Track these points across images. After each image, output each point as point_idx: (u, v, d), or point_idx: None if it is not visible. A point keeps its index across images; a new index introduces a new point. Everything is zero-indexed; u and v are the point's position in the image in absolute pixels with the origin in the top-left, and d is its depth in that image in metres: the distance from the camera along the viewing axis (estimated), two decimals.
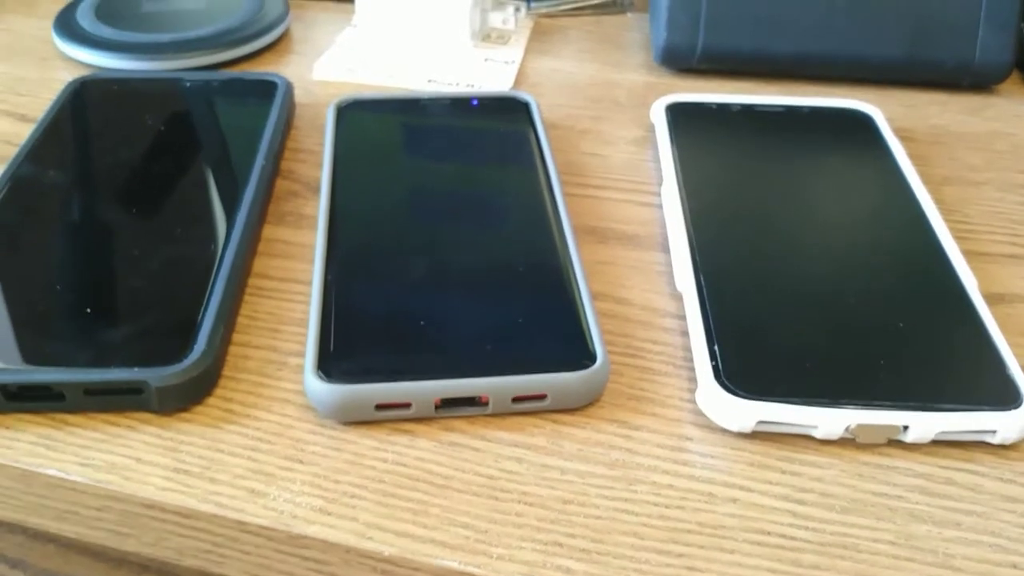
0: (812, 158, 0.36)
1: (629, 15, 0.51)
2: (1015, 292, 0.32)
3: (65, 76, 0.42)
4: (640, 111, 0.42)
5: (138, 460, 0.26)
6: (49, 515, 0.27)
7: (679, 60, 0.44)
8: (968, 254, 0.33)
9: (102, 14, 0.45)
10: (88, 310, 0.28)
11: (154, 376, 0.26)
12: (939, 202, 0.36)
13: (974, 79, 0.44)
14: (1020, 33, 0.43)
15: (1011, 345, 0.29)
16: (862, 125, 0.38)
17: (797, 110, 0.39)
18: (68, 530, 0.27)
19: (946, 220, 0.35)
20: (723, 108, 0.39)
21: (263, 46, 0.45)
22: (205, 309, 0.28)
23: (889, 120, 0.41)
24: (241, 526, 0.24)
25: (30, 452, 0.26)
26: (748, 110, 0.39)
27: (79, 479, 0.25)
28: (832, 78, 0.44)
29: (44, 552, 0.33)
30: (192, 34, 0.44)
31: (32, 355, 0.27)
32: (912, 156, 0.38)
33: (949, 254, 0.31)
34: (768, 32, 0.43)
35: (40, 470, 0.25)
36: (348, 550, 0.24)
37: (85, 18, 0.45)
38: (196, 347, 0.27)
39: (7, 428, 0.26)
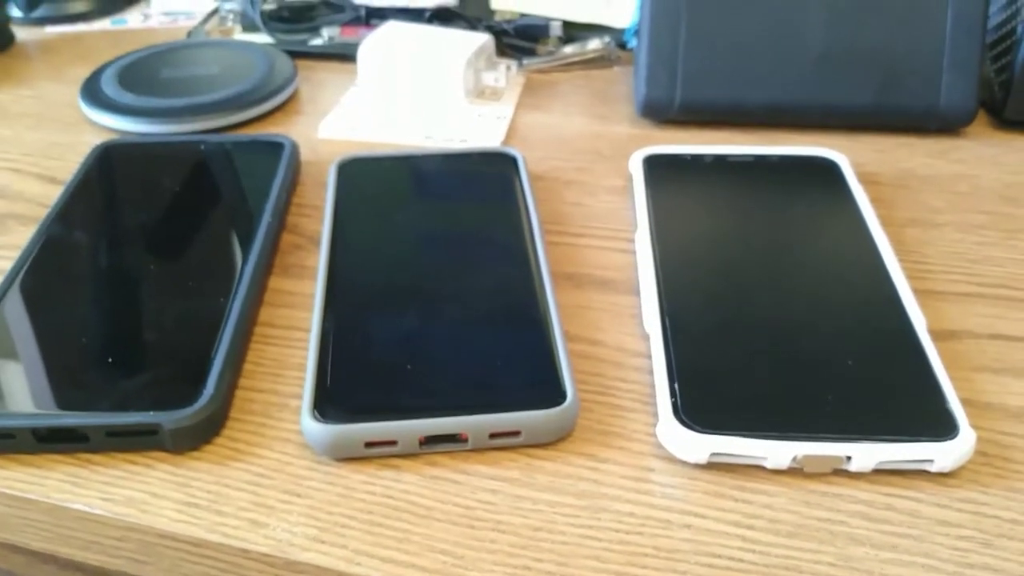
0: (777, 205, 0.39)
1: (616, 69, 0.54)
2: (967, 329, 0.34)
3: (91, 140, 0.45)
4: (622, 161, 0.45)
5: (153, 495, 0.28)
6: (76, 545, 0.30)
7: (659, 112, 0.47)
8: (924, 293, 0.36)
9: (124, 81, 0.49)
10: (109, 359, 0.31)
11: (168, 419, 0.29)
12: (900, 244, 0.39)
13: (940, 123, 0.46)
14: (984, 77, 0.46)
15: (957, 379, 0.31)
16: (828, 172, 0.41)
17: (766, 159, 0.41)
18: (92, 559, 0.30)
19: (905, 261, 0.37)
20: (697, 159, 0.42)
21: (273, 107, 0.49)
22: (214, 357, 0.31)
23: (859, 165, 0.44)
24: (244, 554, 0.27)
25: (58, 488, 0.29)
26: (720, 160, 0.41)
27: (101, 512, 0.28)
28: (805, 126, 0.47)
29: None
30: (207, 98, 0.47)
31: (59, 401, 0.30)
32: (877, 200, 0.41)
33: (901, 295, 0.33)
34: (742, 85, 0.46)
35: (67, 505, 0.28)
36: (339, 575, 0.26)
37: (109, 85, 0.49)
38: (206, 392, 0.30)
39: (38, 467, 0.29)
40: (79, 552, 0.30)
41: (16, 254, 0.36)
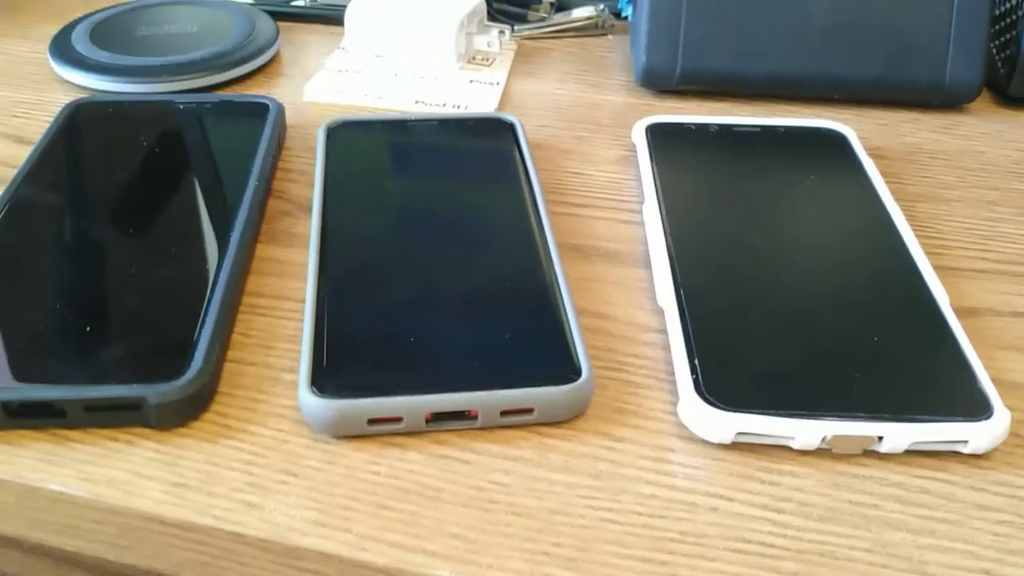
0: (788, 176, 0.37)
1: (610, 37, 0.52)
2: (987, 306, 0.33)
3: (61, 99, 0.42)
4: (621, 131, 0.43)
5: (137, 474, 0.26)
6: (50, 529, 0.27)
7: (659, 82, 0.45)
8: (941, 269, 0.35)
9: (97, 38, 0.46)
10: (87, 329, 0.29)
11: (152, 392, 0.27)
12: (912, 219, 0.37)
13: (945, 98, 0.45)
14: (988, 53, 0.45)
15: (982, 357, 0.30)
16: (836, 144, 0.39)
17: (773, 130, 0.40)
18: (68, 544, 0.28)
19: (919, 236, 0.36)
20: (702, 128, 0.40)
21: (254, 68, 0.46)
22: (201, 327, 0.29)
23: (864, 138, 0.43)
24: (238, 538, 0.25)
25: (32, 468, 0.26)
26: (726, 130, 0.40)
27: (80, 493, 0.26)
28: (808, 98, 0.46)
29: (39, 567, 0.34)
30: (185, 57, 0.45)
31: (33, 373, 0.27)
32: (886, 174, 0.40)
33: (922, 270, 0.32)
34: (745, 55, 0.44)
35: (42, 485, 0.26)
36: (343, 561, 0.24)
37: (80, 42, 0.46)
38: (193, 364, 0.28)
39: (9, 444, 0.27)
40: (52, 537, 0.28)
41: None
